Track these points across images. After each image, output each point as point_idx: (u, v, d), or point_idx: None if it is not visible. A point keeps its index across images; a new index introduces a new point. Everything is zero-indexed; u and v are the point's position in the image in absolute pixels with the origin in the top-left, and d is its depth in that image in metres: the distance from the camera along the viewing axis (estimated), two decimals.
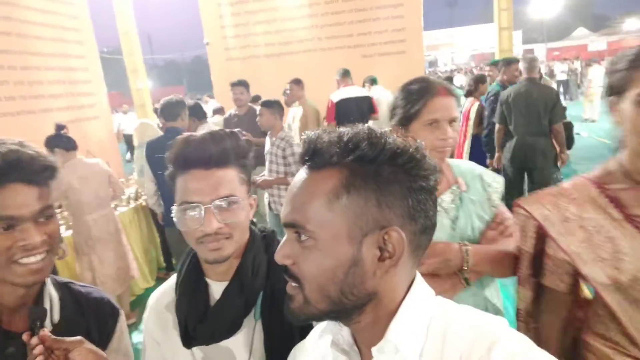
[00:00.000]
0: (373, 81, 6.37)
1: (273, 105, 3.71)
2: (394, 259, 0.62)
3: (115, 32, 7.68)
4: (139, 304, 4.23)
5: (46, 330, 0.84)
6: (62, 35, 5.47)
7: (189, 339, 1.00)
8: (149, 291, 4.44)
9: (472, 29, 25.41)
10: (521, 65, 4.54)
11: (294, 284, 0.65)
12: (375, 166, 0.61)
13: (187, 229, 0.95)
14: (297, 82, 5.32)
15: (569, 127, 8.29)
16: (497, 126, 4.57)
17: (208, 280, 1.04)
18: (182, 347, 1.02)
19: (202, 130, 1.07)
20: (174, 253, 4.12)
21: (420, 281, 0.68)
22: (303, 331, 0.94)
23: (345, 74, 5.39)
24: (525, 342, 0.60)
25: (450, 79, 9.00)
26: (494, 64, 5.53)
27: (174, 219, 0.97)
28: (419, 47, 7.20)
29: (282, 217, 0.66)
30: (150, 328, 1.11)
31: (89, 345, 0.87)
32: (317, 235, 0.62)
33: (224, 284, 1.01)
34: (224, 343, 1.00)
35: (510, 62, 5.05)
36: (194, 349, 1.02)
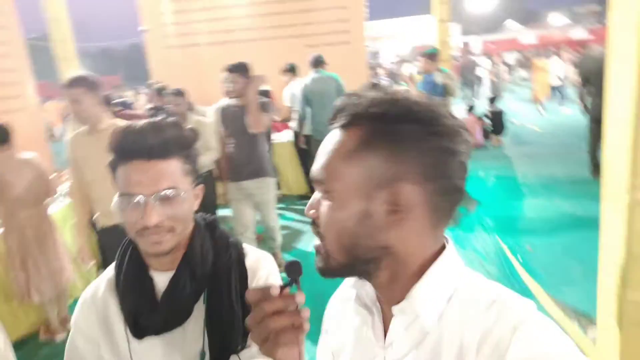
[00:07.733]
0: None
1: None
2: (403, 213, 0.64)
3: (40, 18, 7.11)
4: None
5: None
6: None
7: (140, 330, 0.96)
8: None
9: (411, 20, 25.79)
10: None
11: (318, 242, 0.70)
12: (394, 124, 0.63)
13: (128, 221, 0.93)
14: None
15: (500, 114, 8.80)
16: None
17: (151, 271, 1.02)
18: (124, 342, 0.98)
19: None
20: None
21: (451, 250, 0.69)
22: (244, 310, 0.97)
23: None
24: (551, 328, 0.59)
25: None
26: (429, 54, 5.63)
27: (113, 209, 0.94)
28: (361, 38, 7.23)
29: (310, 174, 0.71)
30: (83, 328, 1.03)
31: None
32: (332, 188, 0.66)
33: (169, 274, 0.99)
34: (173, 333, 0.98)
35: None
36: (139, 342, 0.98)
